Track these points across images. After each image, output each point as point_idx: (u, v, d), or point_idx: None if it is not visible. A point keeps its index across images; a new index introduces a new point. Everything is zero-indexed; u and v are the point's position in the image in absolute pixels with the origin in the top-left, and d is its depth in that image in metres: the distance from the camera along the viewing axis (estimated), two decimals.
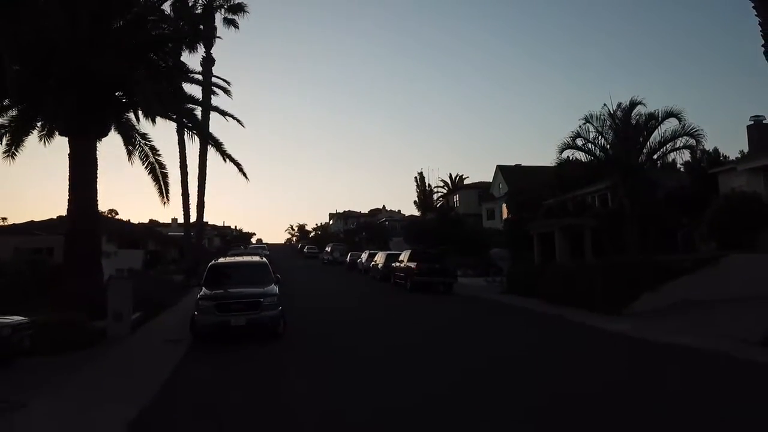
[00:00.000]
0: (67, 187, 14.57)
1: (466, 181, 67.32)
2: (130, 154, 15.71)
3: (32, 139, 14.10)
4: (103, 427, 6.69)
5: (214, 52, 31.95)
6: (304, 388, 8.41)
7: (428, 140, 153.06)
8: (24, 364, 9.86)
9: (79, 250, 13.94)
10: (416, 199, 73.46)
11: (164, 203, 17.62)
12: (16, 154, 13.04)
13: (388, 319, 16.58)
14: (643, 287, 15.97)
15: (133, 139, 16.25)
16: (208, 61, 31.48)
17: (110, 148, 65.63)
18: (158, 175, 17.16)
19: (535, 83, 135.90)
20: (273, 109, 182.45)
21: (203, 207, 33.54)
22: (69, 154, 14.41)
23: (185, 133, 22.94)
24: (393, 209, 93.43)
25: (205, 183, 33.09)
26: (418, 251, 26.47)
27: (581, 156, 19.08)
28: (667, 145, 17.87)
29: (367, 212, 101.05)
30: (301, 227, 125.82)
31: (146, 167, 16.91)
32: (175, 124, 29.64)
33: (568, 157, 20.02)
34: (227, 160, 16.25)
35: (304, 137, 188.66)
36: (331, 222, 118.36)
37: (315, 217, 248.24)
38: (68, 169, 14.47)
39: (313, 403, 7.64)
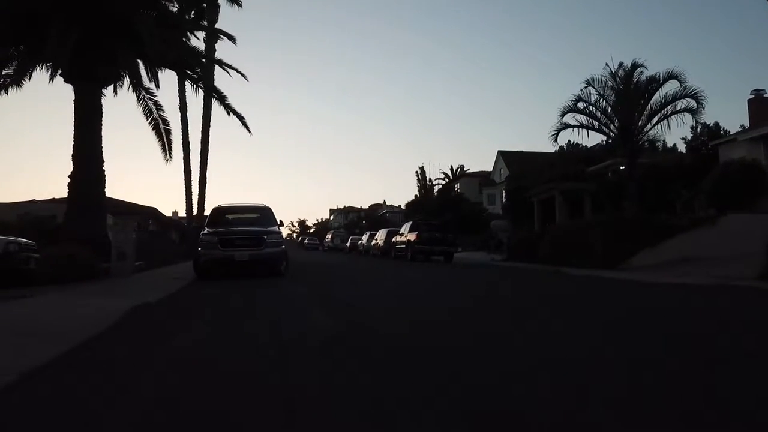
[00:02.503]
0: (72, 134, 14.75)
1: (467, 172, 67.14)
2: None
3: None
4: (110, 308, 6.85)
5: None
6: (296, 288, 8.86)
7: (429, 134, 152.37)
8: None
9: (83, 193, 14.07)
10: (417, 193, 73.36)
11: (167, 160, 17.84)
12: (22, 83, 13.19)
13: (382, 276, 16.70)
14: (641, 244, 16.09)
15: (138, 92, 16.44)
16: (211, 38, 31.51)
17: (111, 139, 65.96)
18: (161, 131, 17.38)
19: (535, 71, 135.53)
20: (271, 107, 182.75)
21: (205, 183, 33.61)
22: (74, 101, 14.60)
23: (186, 83, 22.95)
24: (393, 204, 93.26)
25: (207, 153, 33.22)
26: (419, 222, 26.20)
27: (583, 119, 19.15)
28: (668, 107, 17.94)
29: (367, 207, 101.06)
30: (302, 222, 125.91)
31: (150, 122, 17.13)
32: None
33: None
34: (230, 113, 16.45)
35: (303, 135, 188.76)
36: (331, 217, 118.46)
37: (315, 213, 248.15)
38: (73, 115, 14.65)
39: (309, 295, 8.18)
